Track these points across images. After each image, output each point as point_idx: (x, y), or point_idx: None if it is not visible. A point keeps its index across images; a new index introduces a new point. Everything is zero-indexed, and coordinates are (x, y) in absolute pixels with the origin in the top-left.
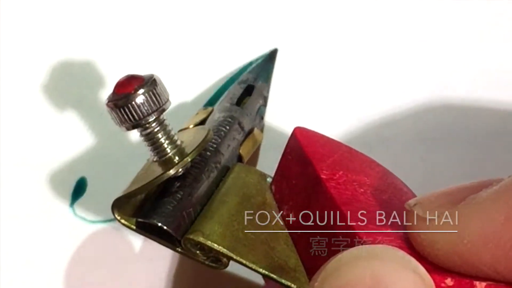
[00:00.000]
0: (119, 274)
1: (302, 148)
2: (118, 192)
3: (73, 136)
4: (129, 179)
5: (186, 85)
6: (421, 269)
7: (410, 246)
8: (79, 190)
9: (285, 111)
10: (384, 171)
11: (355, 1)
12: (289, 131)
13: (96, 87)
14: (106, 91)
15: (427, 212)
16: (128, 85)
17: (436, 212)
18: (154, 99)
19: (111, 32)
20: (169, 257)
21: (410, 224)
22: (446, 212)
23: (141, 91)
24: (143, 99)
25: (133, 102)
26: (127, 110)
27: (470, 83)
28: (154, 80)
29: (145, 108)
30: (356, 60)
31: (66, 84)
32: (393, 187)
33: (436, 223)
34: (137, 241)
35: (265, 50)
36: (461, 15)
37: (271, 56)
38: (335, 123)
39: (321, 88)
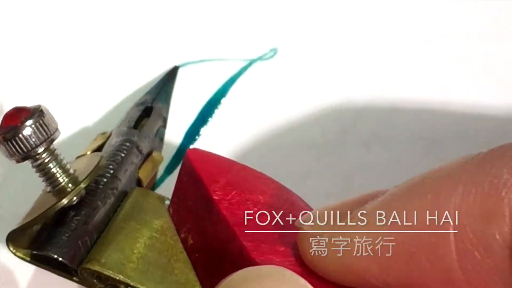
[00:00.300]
0: None
1: (195, 170)
2: None
3: (73, 136)
4: None
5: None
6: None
7: (302, 263)
8: None
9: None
10: (280, 187)
11: None
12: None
13: (96, 88)
14: (106, 92)
15: (317, 227)
16: (15, 118)
17: (326, 228)
18: (41, 129)
19: None
20: None
21: (300, 240)
22: (335, 228)
23: (29, 122)
24: (31, 131)
25: (20, 135)
26: (15, 143)
27: (470, 83)
28: (41, 110)
29: (33, 139)
30: (355, 59)
31: (67, 86)
32: (289, 204)
33: (326, 240)
34: None
35: (163, 68)
36: (462, 14)
37: (170, 75)
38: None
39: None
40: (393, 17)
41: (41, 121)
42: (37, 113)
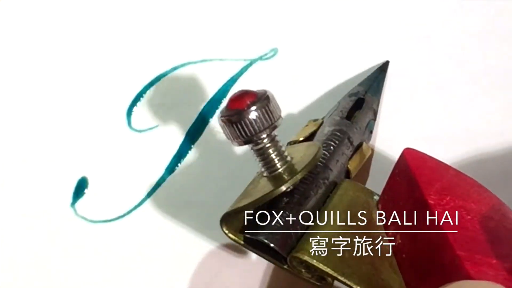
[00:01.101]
0: (120, 274)
1: (411, 171)
2: (119, 191)
3: (74, 136)
4: (129, 179)
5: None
6: None
7: None
8: (80, 189)
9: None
10: (492, 196)
11: None
12: (398, 148)
13: (97, 88)
14: (106, 92)
15: None
16: (241, 101)
17: None
18: (266, 116)
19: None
20: (168, 257)
21: None
22: None
23: (254, 107)
24: (256, 116)
25: (246, 119)
26: (240, 126)
27: (470, 82)
28: (267, 96)
29: (258, 124)
30: (355, 59)
31: (67, 84)
32: (501, 214)
33: None
34: (137, 241)
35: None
36: (461, 15)
37: (382, 68)
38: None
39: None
40: (393, 17)
41: (266, 107)
42: (263, 98)
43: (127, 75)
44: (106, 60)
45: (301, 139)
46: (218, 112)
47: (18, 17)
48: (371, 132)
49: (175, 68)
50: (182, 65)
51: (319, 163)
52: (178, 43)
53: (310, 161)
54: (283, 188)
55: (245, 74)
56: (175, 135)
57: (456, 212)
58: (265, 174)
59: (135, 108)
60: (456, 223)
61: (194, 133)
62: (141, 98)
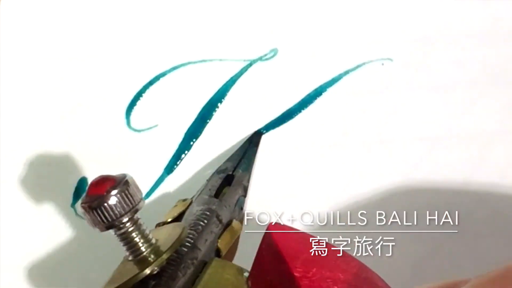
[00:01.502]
0: None
1: (276, 245)
2: None
3: (73, 136)
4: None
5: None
6: None
7: None
8: (80, 190)
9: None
10: (360, 265)
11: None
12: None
13: (96, 88)
14: (105, 92)
15: None
16: (101, 187)
17: None
18: (126, 199)
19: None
20: None
21: None
22: None
23: (114, 192)
24: (116, 201)
25: (106, 204)
26: (100, 212)
27: (470, 82)
28: (127, 180)
29: (118, 209)
30: (355, 59)
31: (66, 84)
32: (368, 283)
33: None
34: None
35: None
36: (460, 14)
37: (251, 140)
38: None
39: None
40: (393, 18)
41: (126, 191)
42: (122, 182)
43: (127, 74)
44: (105, 59)
45: (169, 220)
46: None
47: (17, 17)
48: (241, 208)
49: (174, 68)
50: (182, 65)
51: (187, 243)
52: (178, 43)
53: (174, 242)
54: (148, 271)
55: (245, 74)
56: (174, 135)
57: (323, 283)
58: (130, 258)
59: (134, 108)
60: None
61: (193, 133)
62: (140, 98)
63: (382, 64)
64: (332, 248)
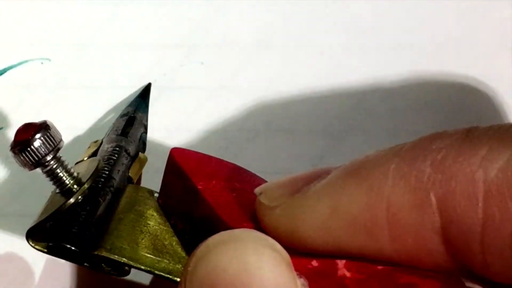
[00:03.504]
0: None
1: (179, 165)
2: None
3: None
4: None
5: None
6: (278, 245)
7: None
8: None
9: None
10: (251, 174)
11: None
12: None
13: None
14: None
15: (270, 200)
16: (26, 132)
17: (276, 201)
18: (49, 140)
19: None
20: None
21: (258, 210)
22: (284, 203)
23: (38, 135)
24: (40, 143)
25: (32, 146)
26: (27, 154)
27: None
28: (47, 125)
29: (43, 149)
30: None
31: None
32: (257, 185)
33: (278, 212)
34: None
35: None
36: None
37: (146, 90)
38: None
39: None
40: (391, 14)
41: (48, 134)
42: (44, 126)
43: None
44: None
45: (85, 158)
46: None
47: None
48: (144, 143)
49: None
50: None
51: (103, 175)
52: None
53: (93, 172)
54: (73, 200)
55: (248, 61)
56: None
57: (223, 192)
58: (57, 191)
59: None
60: (224, 202)
61: None
62: None
63: (42, 63)
64: (226, 163)
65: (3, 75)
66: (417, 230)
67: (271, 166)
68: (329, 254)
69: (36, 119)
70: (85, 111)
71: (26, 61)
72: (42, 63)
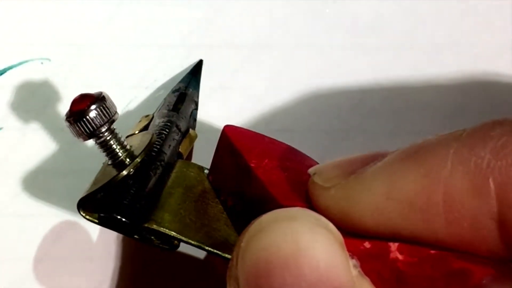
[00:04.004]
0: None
1: (232, 143)
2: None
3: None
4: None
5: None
6: (331, 226)
7: None
8: None
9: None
10: (303, 155)
11: None
12: (217, 129)
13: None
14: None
15: (325, 180)
16: (82, 103)
17: (331, 182)
18: (104, 112)
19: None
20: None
21: (311, 190)
22: (339, 183)
23: (93, 106)
24: (95, 113)
25: (88, 117)
26: (83, 124)
27: (470, 82)
28: (103, 96)
29: (98, 120)
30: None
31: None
32: (309, 165)
33: (332, 192)
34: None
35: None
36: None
37: (197, 66)
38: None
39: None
40: (391, 14)
41: (103, 105)
42: (100, 98)
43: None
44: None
45: (137, 132)
46: None
47: None
48: (195, 120)
49: None
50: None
51: (155, 149)
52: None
53: (146, 146)
54: (125, 172)
55: (252, 60)
56: None
57: (274, 171)
58: (109, 162)
59: None
60: (276, 180)
61: None
62: None
63: (42, 63)
64: (278, 143)
65: (3, 75)
66: (473, 215)
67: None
68: (382, 237)
69: (36, 119)
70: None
71: (26, 61)
72: (42, 63)
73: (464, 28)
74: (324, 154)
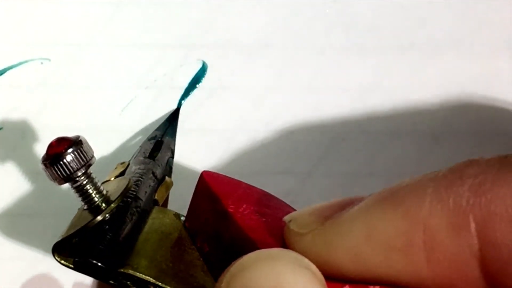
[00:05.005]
0: None
1: (210, 187)
2: None
3: None
4: None
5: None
6: (313, 266)
7: None
8: None
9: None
10: (280, 202)
11: None
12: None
13: None
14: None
15: (300, 227)
16: (59, 146)
17: (307, 228)
18: (81, 156)
19: None
20: None
21: (287, 237)
22: (315, 229)
23: (70, 150)
24: (72, 157)
25: (64, 160)
26: (59, 167)
27: (470, 81)
28: (80, 140)
29: (74, 164)
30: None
31: None
32: (286, 213)
33: (309, 238)
34: None
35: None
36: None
37: (174, 114)
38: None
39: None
40: (391, 14)
41: (80, 149)
42: (77, 141)
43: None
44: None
45: (112, 178)
46: None
47: None
48: (171, 168)
49: None
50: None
51: (131, 195)
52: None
53: (123, 191)
54: (100, 217)
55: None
56: None
57: (253, 216)
58: (85, 207)
59: None
60: (255, 225)
61: None
62: None
63: (42, 63)
64: (255, 189)
65: (3, 75)
66: (454, 253)
67: (271, 166)
68: (362, 280)
69: (36, 119)
70: (85, 111)
71: (26, 61)
72: (42, 63)
73: (464, 28)
74: (324, 154)
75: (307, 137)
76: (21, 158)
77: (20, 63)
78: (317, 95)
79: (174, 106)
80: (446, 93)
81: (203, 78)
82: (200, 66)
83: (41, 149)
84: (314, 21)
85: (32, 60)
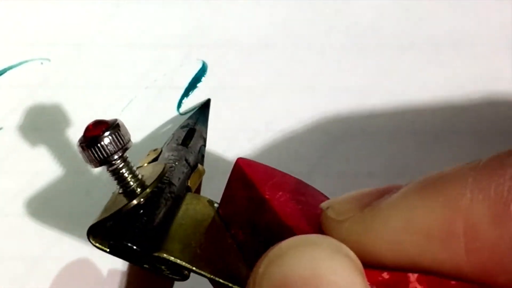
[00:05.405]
0: None
1: (246, 174)
2: None
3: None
4: None
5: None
6: (351, 253)
7: None
8: None
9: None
10: (314, 189)
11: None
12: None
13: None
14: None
15: (338, 214)
16: (96, 129)
17: (345, 215)
18: (118, 139)
19: None
20: None
21: (324, 224)
22: (353, 216)
23: (107, 133)
24: (109, 140)
25: (102, 143)
26: (95, 150)
27: (470, 81)
28: (118, 123)
29: (111, 148)
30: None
31: None
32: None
33: (347, 225)
34: None
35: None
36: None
37: (206, 104)
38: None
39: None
40: (391, 14)
41: (117, 132)
42: (114, 125)
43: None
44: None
45: (145, 164)
46: None
47: None
48: (203, 155)
49: None
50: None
51: (165, 180)
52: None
53: (158, 176)
54: (135, 201)
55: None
56: None
57: (289, 203)
58: (120, 191)
59: None
60: (290, 212)
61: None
62: None
63: (42, 63)
64: (289, 176)
65: (3, 75)
66: (494, 244)
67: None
68: (399, 269)
69: (36, 119)
70: (85, 111)
71: (26, 61)
72: (42, 63)
73: (464, 28)
74: (324, 154)
75: (307, 137)
76: (21, 158)
77: (20, 63)
78: (317, 95)
79: (174, 106)
80: (446, 93)
81: (203, 78)
82: (200, 66)
83: (41, 149)
84: (314, 21)
85: (32, 60)
